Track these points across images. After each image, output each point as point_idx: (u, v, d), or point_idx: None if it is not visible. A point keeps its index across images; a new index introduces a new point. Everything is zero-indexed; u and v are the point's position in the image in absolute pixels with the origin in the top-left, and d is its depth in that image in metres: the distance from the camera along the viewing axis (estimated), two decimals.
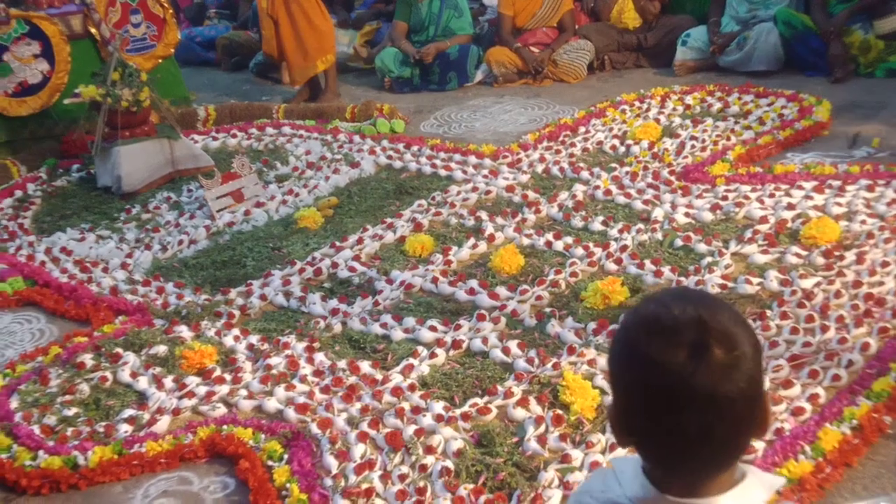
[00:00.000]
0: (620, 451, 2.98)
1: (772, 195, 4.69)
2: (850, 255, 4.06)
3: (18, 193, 5.73)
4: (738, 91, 6.10)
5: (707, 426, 1.27)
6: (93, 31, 6.11)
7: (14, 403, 3.66)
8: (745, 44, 6.52)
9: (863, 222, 4.33)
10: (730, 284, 3.95)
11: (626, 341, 1.35)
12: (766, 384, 1.21)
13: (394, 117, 6.30)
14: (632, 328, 1.35)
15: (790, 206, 4.54)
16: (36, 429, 3.50)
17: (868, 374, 3.30)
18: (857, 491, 2.85)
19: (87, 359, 3.91)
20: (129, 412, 3.56)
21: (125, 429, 3.46)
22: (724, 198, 4.72)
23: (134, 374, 3.78)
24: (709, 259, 4.16)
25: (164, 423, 3.49)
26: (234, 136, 6.37)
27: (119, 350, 3.93)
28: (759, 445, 3.02)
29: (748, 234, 4.33)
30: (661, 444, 1.34)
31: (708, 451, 1.31)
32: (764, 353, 3.45)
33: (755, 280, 3.94)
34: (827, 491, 2.85)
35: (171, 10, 6.68)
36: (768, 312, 3.71)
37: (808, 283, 3.88)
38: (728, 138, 5.46)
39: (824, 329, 3.58)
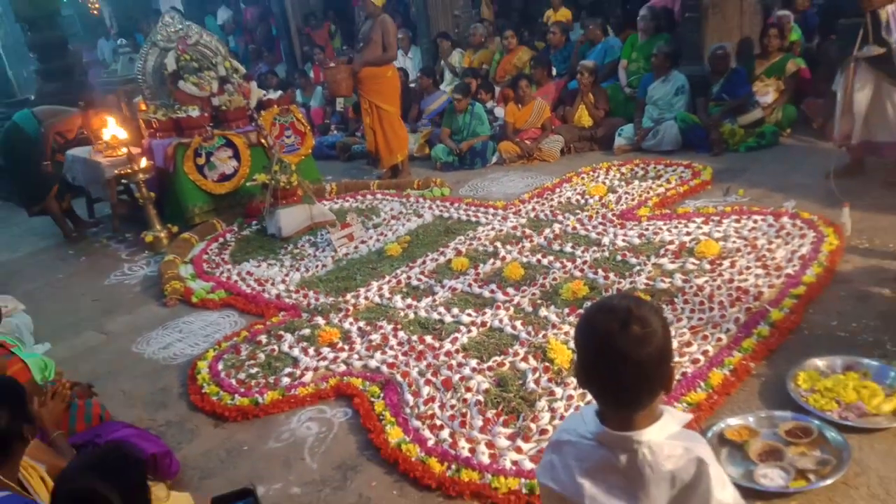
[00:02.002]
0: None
1: (676, 227, 4.62)
2: (726, 263, 3.99)
3: (221, 240, 5.80)
4: (654, 163, 6.03)
5: (625, 377, 1.27)
6: (262, 141, 6.20)
7: (220, 366, 3.73)
8: (657, 134, 6.46)
9: (733, 242, 4.25)
10: (651, 283, 3.90)
11: (586, 316, 1.35)
12: (674, 357, 1.20)
13: (443, 186, 6.30)
14: (591, 309, 1.36)
15: (688, 233, 4.47)
16: (233, 381, 3.57)
17: (739, 336, 3.26)
18: (734, 410, 2.82)
19: (263, 338, 3.97)
20: (288, 370, 3.60)
21: (286, 380, 3.51)
22: (647, 229, 4.66)
23: (290, 347, 3.82)
24: (638, 267, 4.12)
25: (309, 376, 3.53)
26: (347, 200, 6.42)
27: (281, 332, 3.98)
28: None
29: (662, 252, 4.27)
30: (598, 387, 1.34)
31: (626, 395, 1.30)
32: (673, 325, 3.43)
33: (667, 280, 3.89)
34: (716, 410, 2.82)
35: (308, 127, 6.75)
36: (675, 299, 3.68)
37: (700, 281, 3.82)
38: (648, 192, 5.39)
39: (711, 309, 3.54)
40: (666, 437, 1.30)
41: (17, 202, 7.32)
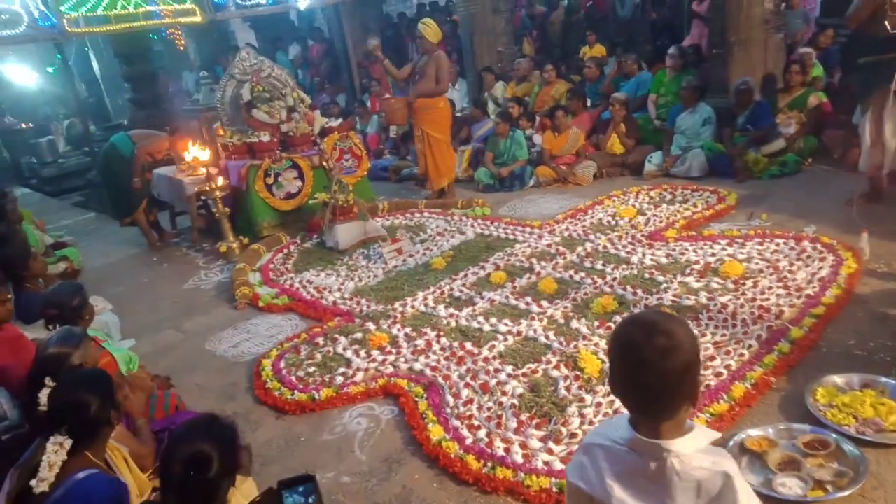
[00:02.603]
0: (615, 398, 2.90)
1: (702, 248, 4.52)
2: (749, 283, 3.89)
3: (285, 251, 5.88)
4: (682, 188, 5.92)
5: (649, 386, 1.25)
6: (324, 164, 6.29)
7: (282, 364, 3.78)
8: (685, 161, 6.34)
9: (756, 264, 4.14)
10: (677, 300, 3.82)
11: (618, 328, 1.34)
12: (700, 372, 1.20)
13: (484, 206, 6.29)
14: (623, 321, 1.34)
15: (713, 254, 4.37)
16: (293, 378, 3.62)
17: (761, 352, 3.17)
18: (754, 422, 2.73)
19: (320, 340, 4.01)
20: (341, 370, 3.63)
21: (340, 379, 3.54)
22: (674, 250, 4.57)
23: (344, 349, 3.85)
24: (664, 285, 4.03)
25: (360, 376, 3.55)
26: (398, 217, 6.46)
27: (336, 335, 4.02)
28: None
29: (688, 271, 4.18)
30: (626, 395, 1.32)
31: (651, 404, 1.28)
32: (697, 340, 3.34)
33: (692, 297, 3.81)
34: (737, 421, 2.74)
35: (365, 151, 6.81)
36: (700, 316, 3.59)
37: (724, 299, 3.73)
38: (675, 215, 5.29)
39: (734, 326, 3.45)
40: (695, 450, 1.27)
41: (110, 214, 7.60)
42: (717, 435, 1.37)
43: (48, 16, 7.73)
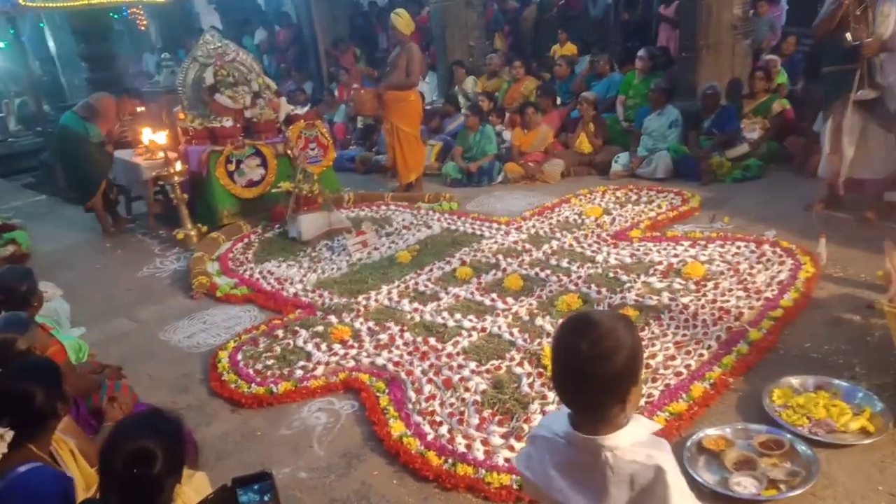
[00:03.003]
0: None
1: (665, 249, 4.59)
2: (711, 284, 3.97)
3: (246, 240, 5.78)
4: (647, 189, 6.00)
5: (581, 387, 1.28)
6: (289, 152, 6.18)
7: (239, 356, 3.72)
8: (651, 163, 6.43)
9: (717, 266, 4.22)
10: (640, 299, 3.87)
11: (559, 327, 1.35)
12: (640, 380, 1.22)
13: (451, 201, 6.27)
14: (567, 321, 1.35)
15: (676, 255, 4.44)
16: (251, 371, 3.56)
17: (720, 353, 3.24)
18: (712, 421, 2.79)
19: (280, 332, 3.95)
20: (301, 363, 3.60)
21: (299, 373, 3.50)
22: (638, 250, 4.63)
23: (305, 342, 3.81)
24: (628, 284, 4.08)
25: (320, 370, 3.51)
26: (363, 210, 6.40)
27: (297, 328, 3.97)
28: (655, 392, 2.97)
29: (651, 271, 4.24)
30: (561, 393, 1.34)
31: (582, 405, 1.31)
32: (659, 339, 3.40)
33: (655, 297, 3.87)
34: (695, 421, 2.80)
35: (331, 140, 6.69)
36: (662, 316, 3.65)
37: (686, 300, 3.80)
38: (640, 216, 5.36)
39: (695, 327, 3.51)
40: (631, 443, 1.28)
41: (63, 197, 7.36)
42: (657, 426, 1.40)
43: None
